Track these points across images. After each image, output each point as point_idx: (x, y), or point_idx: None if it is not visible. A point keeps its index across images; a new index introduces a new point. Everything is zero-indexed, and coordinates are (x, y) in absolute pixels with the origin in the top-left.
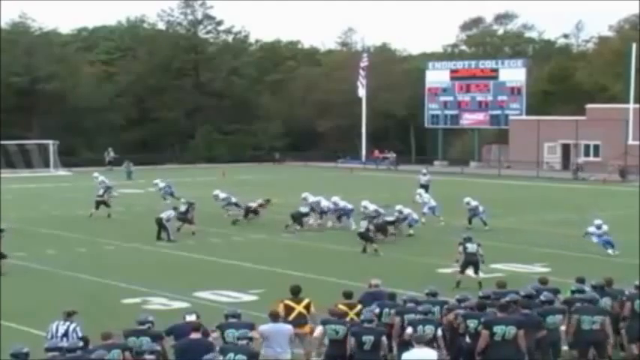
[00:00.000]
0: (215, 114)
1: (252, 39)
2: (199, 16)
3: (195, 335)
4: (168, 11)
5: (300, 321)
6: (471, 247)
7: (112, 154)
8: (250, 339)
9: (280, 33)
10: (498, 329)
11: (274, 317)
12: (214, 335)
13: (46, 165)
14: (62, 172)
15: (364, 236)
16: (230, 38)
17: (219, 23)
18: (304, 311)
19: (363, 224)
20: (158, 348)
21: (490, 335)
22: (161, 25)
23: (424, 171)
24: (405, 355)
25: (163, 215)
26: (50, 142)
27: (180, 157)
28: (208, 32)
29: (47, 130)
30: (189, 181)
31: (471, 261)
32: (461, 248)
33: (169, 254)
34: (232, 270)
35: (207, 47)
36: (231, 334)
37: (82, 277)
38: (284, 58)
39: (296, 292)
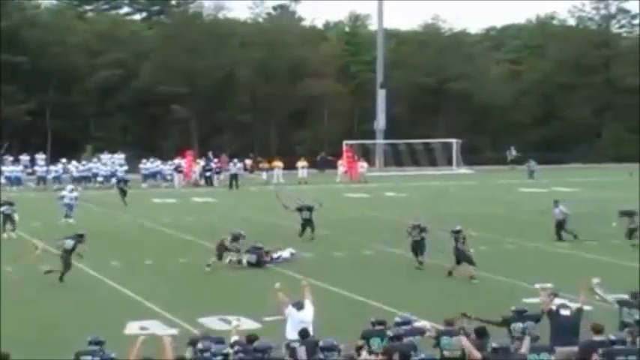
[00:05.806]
0: (625, 112)
1: None
2: (613, 10)
3: None
4: (579, 7)
5: None
6: None
7: (513, 152)
8: None
9: None
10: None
11: None
12: None
13: (449, 163)
14: (464, 170)
15: None
16: None
17: (635, 17)
18: None
19: None
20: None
21: None
22: (571, 22)
23: None
24: None
25: None
26: (454, 140)
27: (585, 157)
28: (621, 27)
29: (452, 129)
30: (595, 181)
31: None
32: None
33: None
34: None
35: (620, 42)
36: None
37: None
38: None
39: None
